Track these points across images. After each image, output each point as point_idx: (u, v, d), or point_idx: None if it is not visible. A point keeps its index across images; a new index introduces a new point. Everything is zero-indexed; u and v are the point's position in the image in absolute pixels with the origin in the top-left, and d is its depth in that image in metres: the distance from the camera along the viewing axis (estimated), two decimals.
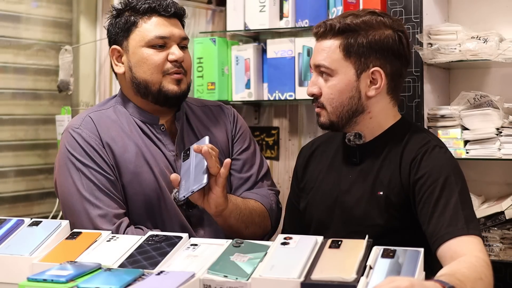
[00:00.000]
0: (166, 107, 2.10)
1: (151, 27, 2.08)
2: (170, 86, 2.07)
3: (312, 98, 1.98)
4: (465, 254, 1.65)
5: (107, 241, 1.64)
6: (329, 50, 1.93)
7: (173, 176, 1.88)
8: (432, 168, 1.85)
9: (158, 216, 2.04)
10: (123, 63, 2.12)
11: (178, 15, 2.14)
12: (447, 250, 1.70)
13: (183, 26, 2.18)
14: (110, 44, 2.16)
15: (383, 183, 1.91)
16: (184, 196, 1.82)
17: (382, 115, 1.97)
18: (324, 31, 1.94)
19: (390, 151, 1.94)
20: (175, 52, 2.07)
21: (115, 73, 2.17)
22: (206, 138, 1.93)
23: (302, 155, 2.16)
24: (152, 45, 2.07)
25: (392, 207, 1.89)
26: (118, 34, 2.12)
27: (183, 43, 2.12)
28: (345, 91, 1.93)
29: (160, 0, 2.11)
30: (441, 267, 1.64)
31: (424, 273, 1.42)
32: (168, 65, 2.07)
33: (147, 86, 2.07)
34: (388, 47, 1.93)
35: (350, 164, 1.99)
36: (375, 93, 1.94)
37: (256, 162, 2.20)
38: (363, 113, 1.95)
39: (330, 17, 2.91)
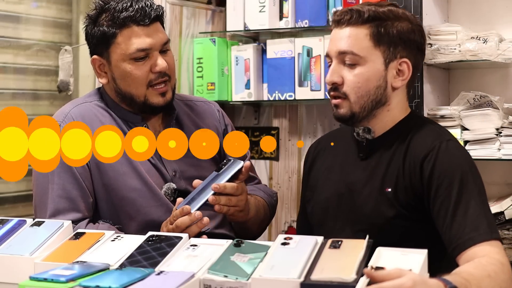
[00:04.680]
0: (152, 114, 2.12)
1: (131, 40, 2.02)
2: (155, 99, 2.06)
3: (331, 87, 1.90)
4: (482, 257, 1.63)
5: (112, 240, 1.65)
6: (356, 37, 1.86)
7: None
8: (447, 168, 1.79)
9: (148, 214, 2.04)
10: (106, 73, 2.09)
11: (159, 18, 2.07)
12: (468, 257, 1.66)
13: (163, 25, 2.11)
14: (91, 52, 2.12)
15: (391, 180, 1.86)
16: (185, 203, 1.88)
17: (398, 108, 1.93)
18: (350, 18, 1.87)
19: (399, 146, 1.89)
20: (159, 63, 2.03)
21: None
22: (240, 163, 1.96)
23: (309, 155, 2.12)
24: (133, 58, 2.03)
25: (400, 205, 1.84)
26: (97, 45, 2.08)
27: (166, 47, 2.07)
28: (373, 79, 1.87)
29: (138, 6, 2.02)
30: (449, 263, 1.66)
31: (428, 274, 1.42)
32: (152, 76, 2.04)
33: (132, 98, 2.07)
34: (413, 39, 1.90)
35: (359, 160, 1.94)
36: (400, 84, 1.90)
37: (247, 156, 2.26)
38: (384, 106, 1.90)
39: (329, 17, 2.91)
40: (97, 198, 2.06)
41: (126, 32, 2.02)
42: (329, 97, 1.94)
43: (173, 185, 2.08)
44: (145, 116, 2.11)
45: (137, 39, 2.02)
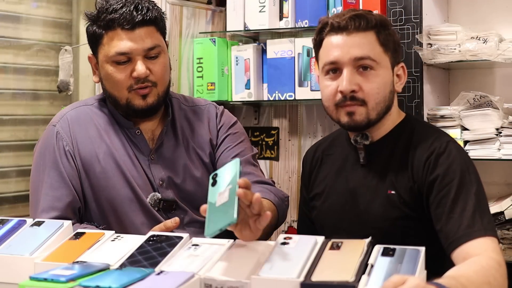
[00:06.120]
0: (138, 118, 2.10)
1: (113, 42, 2.01)
2: (136, 101, 2.04)
3: (345, 96, 1.84)
4: (478, 255, 1.62)
5: (112, 240, 1.64)
6: (369, 43, 1.86)
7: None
8: (447, 167, 1.80)
9: (133, 219, 2.04)
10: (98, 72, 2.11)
11: (148, 23, 2.03)
12: (462, 252, 1.67)
13: (161, 29, 2.09)
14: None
15: (394, 182, 1.87)
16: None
17: (395, 112, 1.95)
18: (359, 25, 1.85)
19: (399, 149, 1.90)
20: (137, 68, 2.01)
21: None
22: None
23: (308, 162, 2.10)
24: (115, 61, 2.02)
25: (405, 205, 1.85)
26: (90, 44, 2.10)
27: (152, 53, 2.04)
28: (387, 85, 1.88)
29: (126, 10, 2.01)
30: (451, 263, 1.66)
31: (425, 272, 1.42)
32: (132, 81, 2.02)
33: (115, 100, 2.07)
34: (400, 43, 1.96)
35: (359, 165, 1.94)
36: (401, 88, 1.94)
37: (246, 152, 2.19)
38: (389, 110, 1.91)
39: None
40: (87, 198, 2.06)
41: (111, 34, 2.02)
42: (333, 104, 1.89)
43: (158, 195, 2.06)
44: (137, 120, 2.11)
45: (118, 42, 2.01)
